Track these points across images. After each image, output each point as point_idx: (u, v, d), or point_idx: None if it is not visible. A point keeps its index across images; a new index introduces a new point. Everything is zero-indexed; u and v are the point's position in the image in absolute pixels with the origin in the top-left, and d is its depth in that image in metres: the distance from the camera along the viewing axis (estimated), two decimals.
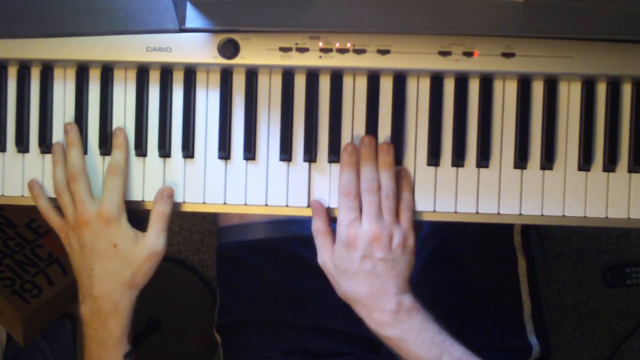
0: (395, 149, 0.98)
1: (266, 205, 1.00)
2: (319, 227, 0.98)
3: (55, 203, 1.00)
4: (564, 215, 0.99)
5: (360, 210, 0.95)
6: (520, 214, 0.99)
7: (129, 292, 0.98)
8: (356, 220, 0.95)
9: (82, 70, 1.00)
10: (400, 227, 0.96)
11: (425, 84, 0.99)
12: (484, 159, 0.98)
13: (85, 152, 1.00)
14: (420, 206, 0.99)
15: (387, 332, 0.93)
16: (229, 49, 0.96)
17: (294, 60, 0.96)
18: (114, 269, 0.97)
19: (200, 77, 1.00)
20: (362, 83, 0.99)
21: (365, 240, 0.94)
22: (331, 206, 0.99)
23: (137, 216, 1.01)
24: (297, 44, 0.96)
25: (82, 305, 0.98)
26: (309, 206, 0.99)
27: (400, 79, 0.99)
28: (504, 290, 1.15)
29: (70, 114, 1.01)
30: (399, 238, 0.95)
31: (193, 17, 0.96)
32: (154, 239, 0.98)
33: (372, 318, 0.94)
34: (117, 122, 1.01)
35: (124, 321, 0.98)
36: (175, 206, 1.00)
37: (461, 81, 0.98)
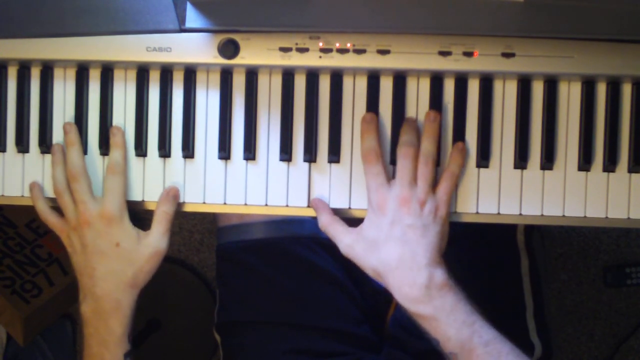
0: (395, 148, 0.97)
1: (266, 205, 1.00)
2: (324, 220, 0.97)
3: (54, 203, 1.00)
4: (564, 215, 0.99)
5: (386, 174, 0.95)
6: (520, 214, 0.99)
7: (130, 291, 0.98)
8: (383, 185, 0.94)
9: (82, 70, 1.00)
10: (434, 196, 0.94)
11: (425, 84, 0.99)
12: (484, 159, 0.98)
13: (85, 152, 1.00)
14: None
15: (419, 310, 0.91)
16: (229, 49, 0.96)
17: (294, 60, 0.96)
18: (116, 268, 0.97)
19: (200, 77, 1.00)
20: (362, 83, 0.99)
21: (393, 204, 0.92)
22: (332, 206, 0.99)
23: (138, 216, 1.01)
24: (297, 44, 0.96)
25: (83, 304, 0.98)
26: (309, 206, 0.99)
27: (400, 79, 0.99)
28: (507, 289, 1.15)
29: (70, 113, 1.01)
30: (430, 206, 0.93)
31: (193, 17, 0.96)
32: (158, 238, 0.98)
33: (403, 293, 0.91)
34: (117, 122, 1.01)
35: (125, 320, 0.98)
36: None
37: (461, 81, 0.98)
